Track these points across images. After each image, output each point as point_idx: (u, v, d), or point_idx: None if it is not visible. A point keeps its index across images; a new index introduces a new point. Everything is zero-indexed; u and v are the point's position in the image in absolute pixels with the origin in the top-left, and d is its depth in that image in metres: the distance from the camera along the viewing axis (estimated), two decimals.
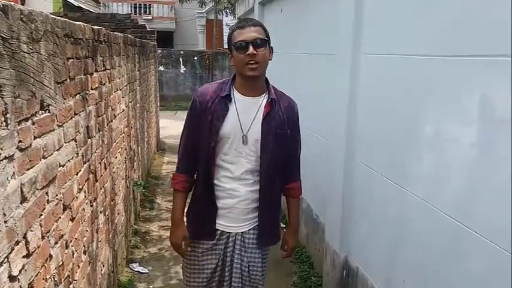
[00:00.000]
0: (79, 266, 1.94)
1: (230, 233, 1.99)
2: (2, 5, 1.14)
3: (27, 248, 1.30)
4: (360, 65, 2.57)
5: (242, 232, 2.00)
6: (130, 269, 3.36)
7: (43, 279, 1.45)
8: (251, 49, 1.79)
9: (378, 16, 2.40)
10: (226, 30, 17.15)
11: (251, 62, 1.81)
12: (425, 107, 1.93)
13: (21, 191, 1.27)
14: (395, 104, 2.19)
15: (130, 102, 4.01)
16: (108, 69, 2.82)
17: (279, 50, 4.88)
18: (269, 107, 1.91)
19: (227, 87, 1.91)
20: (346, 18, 2.67)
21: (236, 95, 1.92)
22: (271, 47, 1.92)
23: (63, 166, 1.71)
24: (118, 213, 3.12)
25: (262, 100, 1.93)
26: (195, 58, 14.04)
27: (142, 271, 3.36)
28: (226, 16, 15.99)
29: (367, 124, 2.53)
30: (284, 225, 4.35)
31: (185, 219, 2.08)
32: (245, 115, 1.90)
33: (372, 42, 2.46)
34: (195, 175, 2.04)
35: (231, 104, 1.90)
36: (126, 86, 3.68)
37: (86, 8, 14.45)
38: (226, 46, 13.65)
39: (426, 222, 1.88)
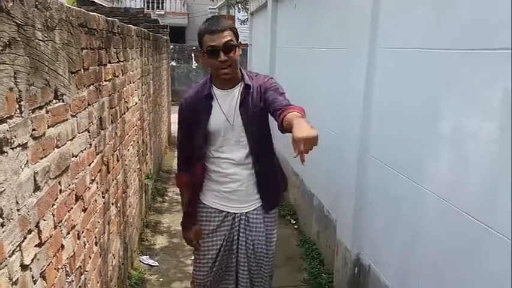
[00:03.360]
0: (90, 257, 1.94)
1: (235, 213, 2.15)
2: None
3: (39, 237, 1.29)
4: (376, 59, 2.53)
5: (246, 212, 2.16)
6: (140, 261, 3.37)
7: (55, 269, 1.44)
8: (222, 56, 1.91)
9: (394, 9, 2.35)
10: (238, 26, 17.10)
11: (223, 67, 1.94)
12: (444, 101, 1.88)
13: (35, 180, 1.26)
14: (412, 99, 2.14)
15: (143, 95, 4.01)
16: (122, 61, 2.81)
17: (293, 45, 4.86)
18: (244, 93, 2.04)
19: (207, 87, 2.07)
20: (362, 12, 2.62)
21: (216, 91, 2.06)
22: (240, 42, 2.00)
23: (76, 156, 1.70)
24: (129, 206, 3.12)
25: (239, 88, 2.06)
26: None
27: (153, 264, 3.36)
28: (239, 12, 15.90)
29: (382, 119, 2.49)
30: (294, 222, 4.34)
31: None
32: (227, 107, 2.05)
33: (388, 36, 2.41)
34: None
35: (213, 101, 2.05)
36: (139, 79, 3.68)
37: (99, 2, 14.51)
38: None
39: (443, 220, 1.84)
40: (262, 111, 2.05)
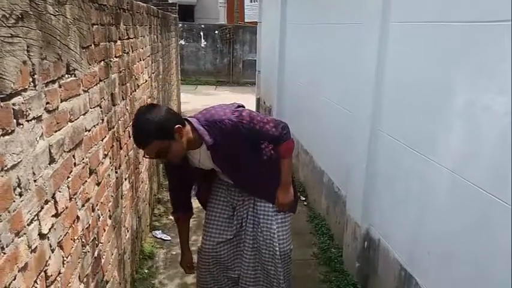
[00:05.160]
0: (105, 230, 1.99)
1: (246, 197, 2.25)
2: None
3: (55, 208, 1.33)
4: (388, 33, 2.49)
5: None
6: (153, 236, 3.44)
7: (71, 239, 1.49)
8: (160, 159, 2.00)
9: None
10: (247, 4, 16.86)
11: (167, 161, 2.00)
12: (456, 75, 1.86)
13: (50, 152, 1.29)
14: (424, 73, 2.12)
15: (153, 73, 4.01)
16: (132, 38, 2.81)
17: (303, 22, 4.80)
18: (212, 151, 2.00)
19: None
20: None
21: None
22: (173, 137, 1.84)
23: (88, 131, 1.73)
24: (142, 182, 3.17)
25: (204, 148, 2.00)
26: (216, 32, 13.88)
27: (165, 238, 3.43)
28: None
29: (394, 95, 2.47)
30: (304, 199, 4.37)
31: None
32: (200, 160, 2.09)
33: (401, 9, 2.37)
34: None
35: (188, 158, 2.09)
36: (148, 56, 3.68)
37: None
38: (247, 20, 13.45)
39: (454, 194, 1.85)
40: (241, 149, 2.03)
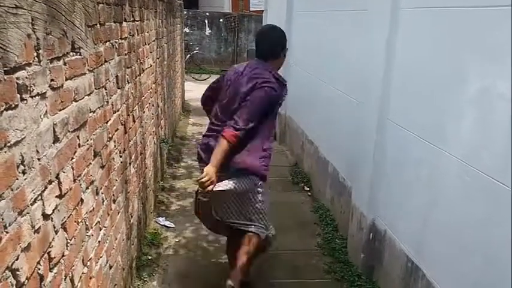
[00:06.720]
0: (109, 214, 1.96)
1: None
2: None
3: (59, 189, 1.29)
4: (398, 20, 2.43)
5: None
6: (157, 222, 3.42)
7: (75, 221, 1.45)
8: None
9: None
10: None
11: None
12: (467, 61, 1.81)
13: (54, 131, 1.25)
14: (435, 60, 2.07)
15: (158, 58, 3.96)
16: (137, 21, 2.76)
17: (310, 9, 4.72)
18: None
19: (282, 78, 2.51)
20: None
21: None
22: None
23: (93, 112, 1.69)
24: (146, 168, 3.14)
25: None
26: (221, 20, 13.74)
27: (169, 225, 3.40)
28: None
29: (403, 83, 2.42)
30: (308, 189, 4.34)
31: None
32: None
33: None
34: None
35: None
36: (153, 41, 3.62)
37: None
38: (252, 8, 13.34)
39: (464, 183, 1.81)
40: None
